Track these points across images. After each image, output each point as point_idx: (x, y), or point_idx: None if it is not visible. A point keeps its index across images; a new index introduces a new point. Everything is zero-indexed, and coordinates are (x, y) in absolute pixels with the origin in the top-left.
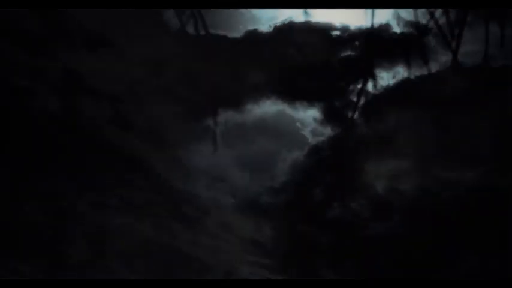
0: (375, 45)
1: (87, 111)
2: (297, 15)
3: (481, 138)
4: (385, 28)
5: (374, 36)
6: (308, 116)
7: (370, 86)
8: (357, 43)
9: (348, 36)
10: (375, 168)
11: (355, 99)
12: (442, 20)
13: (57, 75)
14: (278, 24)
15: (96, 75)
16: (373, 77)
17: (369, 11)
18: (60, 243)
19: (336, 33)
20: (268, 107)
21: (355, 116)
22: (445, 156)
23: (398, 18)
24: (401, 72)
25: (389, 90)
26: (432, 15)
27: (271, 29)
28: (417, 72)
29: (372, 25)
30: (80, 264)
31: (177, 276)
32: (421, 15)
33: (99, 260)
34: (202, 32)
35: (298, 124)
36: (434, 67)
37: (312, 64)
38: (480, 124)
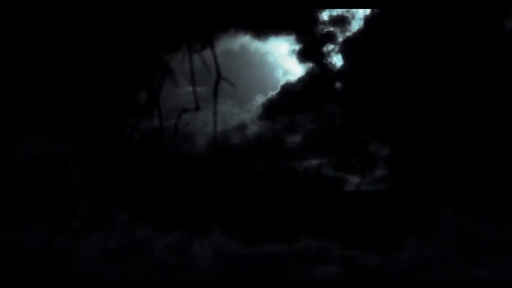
0: None
1: None
2: None
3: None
4: None
5: None
6: (279, 48)
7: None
8: None
9: None
10: (354, 111)
11: (332, 29)
12: None
13: None
14: None
15: None
16: None
17: None
18: None
19: None
20: (231, 40)
21: (334, 51)
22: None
23: None
24: None
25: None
26: None
27: None
28: None
29: None
30: None
31: None
32: None
33: None
34: None
35: (269, 57)
36: None
37: None
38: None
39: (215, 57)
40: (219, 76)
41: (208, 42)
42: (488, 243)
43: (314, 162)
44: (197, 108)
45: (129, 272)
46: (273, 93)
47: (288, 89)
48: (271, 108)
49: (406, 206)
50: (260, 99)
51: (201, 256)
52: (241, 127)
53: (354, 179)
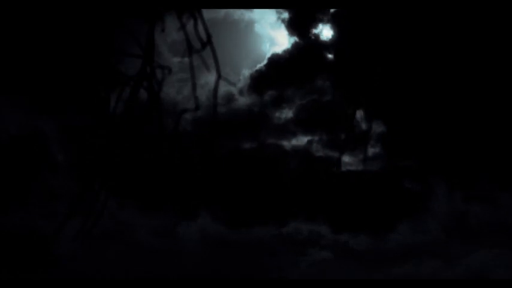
0: None
1: None
2: None
3: None
4: None
5: None
6: (266, 17)
7: None
8: None
9: None
10: (346, 85)
11: None
12: None
13: None
14: None
15: None
16: None
17: None
18: None
19: None
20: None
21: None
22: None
23: None
24: None
25: None
26: None
27: None
28: None
29: None
30: None
31: None
32: None
33: None
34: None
35: (256, 27)
36: None
37: None
38: None
39: (215, 56)
40: (219, 76)
41: (209, 41)
42: (483, 227)
43: (304, 139)
44: (197, 108)
45: (113, 256)
46: (260, 65)
47: (276, 61)
48: (258, 82)
49: (398, 187)
50: (247, 72)
51: (188, 240)
52: (228, 100)
53: (345, 158)
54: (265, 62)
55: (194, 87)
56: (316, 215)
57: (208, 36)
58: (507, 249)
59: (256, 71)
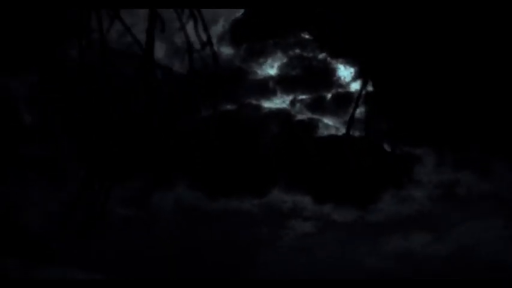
0: None
1: None
2: None
3: None
4: None
5: None
6: None
7: None
8: None
9: None
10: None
11: None
12: None
13: None
14: None
15: None
16: None
17: None
18: None
19: None
20: None
21: None
22: None
23: None
24: None
25: None
26: None
27: None
28: None
29: None
30: None
31: None
32: None
33: None
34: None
35: None
36: None
37: None
38: None
39: (215, 55)
40: (219, 76)
41: (209, 41)
42: (474, 196)
43: (286, 99)
44: (197, 109)
45: (83, 228)
46: (238, 14)
47: (255, 10)
48: (236, 32)
49: (385, 154)
50: (224, 21)
51: (163, 211)
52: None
53: (330, 121)
54: (242, 10)
55: (195, 85)
56: (298, 184)
57: (209, 36)
58: (498, 220)
59: (234, 20)
